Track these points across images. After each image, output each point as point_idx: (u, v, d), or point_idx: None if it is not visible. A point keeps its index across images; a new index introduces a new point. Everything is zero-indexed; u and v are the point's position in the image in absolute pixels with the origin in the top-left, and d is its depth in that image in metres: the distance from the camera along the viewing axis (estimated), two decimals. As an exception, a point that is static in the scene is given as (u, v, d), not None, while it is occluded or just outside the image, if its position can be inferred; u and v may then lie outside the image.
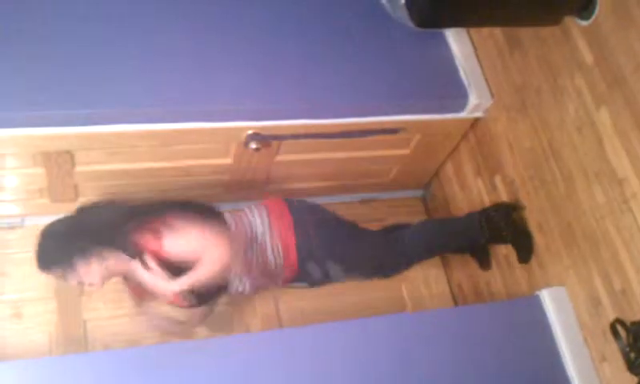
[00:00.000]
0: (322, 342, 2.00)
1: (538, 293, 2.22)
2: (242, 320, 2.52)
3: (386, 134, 2.45)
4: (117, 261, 1.99)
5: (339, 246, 2.24)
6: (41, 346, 2.34)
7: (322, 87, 2.32)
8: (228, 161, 2.40)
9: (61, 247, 1.98)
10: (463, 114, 2.50)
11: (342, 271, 2.21)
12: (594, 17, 1.99)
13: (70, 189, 2.36)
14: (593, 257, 2.07)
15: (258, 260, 2.11)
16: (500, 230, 2.36)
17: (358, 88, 2.37)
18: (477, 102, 2.45)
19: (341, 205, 2.72)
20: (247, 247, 2.09)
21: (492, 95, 2.47)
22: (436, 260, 2.85)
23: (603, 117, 1.99)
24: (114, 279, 2.15)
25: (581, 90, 2.06)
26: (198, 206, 2.12)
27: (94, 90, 2.09)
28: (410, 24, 2.08)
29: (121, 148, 2.23)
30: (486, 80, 2.49)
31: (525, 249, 2.34)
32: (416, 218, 2.81)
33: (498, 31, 2.43)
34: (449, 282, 2.85)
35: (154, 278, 1.97)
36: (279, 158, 2.45)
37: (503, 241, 2.41)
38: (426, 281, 2.82)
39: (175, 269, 1.99)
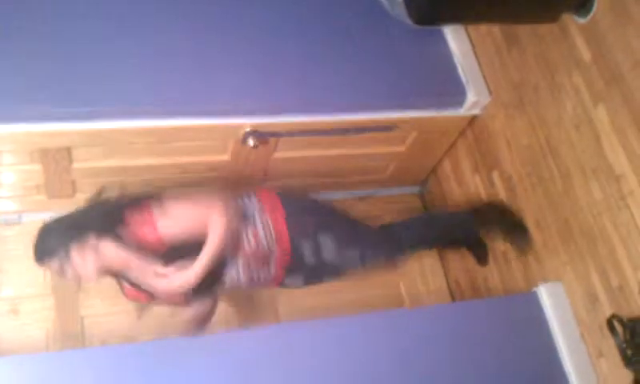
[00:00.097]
0: (319, 337, 2.00)
1: (535, 289, 2.23)
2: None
3: (381, 131, 2.45)
4: (112, 251, 1.98)
5: (330, 217, 2.23)
6: (38, 342, 2.35)
7: (321, 85, 2.33)
8: (225, 158, 2.40)
9: (56, 237, 1.98)
10: (461, 111, 2.51)
11: (335, 250, 2.19)
12: (591, 14, 1.99)
13: (67, 185, 2.36)
14: (590, 253, 2.08)
15: (249, 239, 2.11)
16: (492, 222, 2.38)
17: (356, 86, 2.37)
18: (475, 100, 2.46)
19: (338, 201, 2.72)
20: (239, 222, 2.10)
21: (490, 92, 2.48)
22: (433, 256, 2.86)
23: (601, 114, 2.00)
24: (110, 279, 2.14)
25: (578, 87, 2.07)
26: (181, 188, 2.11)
27: (93, 88, 2.09)
28: (408, 21, 2.08)
29: (118, 145, 2.22)
30: (484, 77, 2.50)
31: (520, 239, 2.35)
32: (413, 214, 2.80)
33: (495, 28, 2.43)
34: (446, 277, 2.86)
35: (168, 282, 1.97)
36: (277, 154, 2.46)
37: (499, 228, 2.44)
38: (423, 277, 2.83)
39: (178, 258, 1.99)
